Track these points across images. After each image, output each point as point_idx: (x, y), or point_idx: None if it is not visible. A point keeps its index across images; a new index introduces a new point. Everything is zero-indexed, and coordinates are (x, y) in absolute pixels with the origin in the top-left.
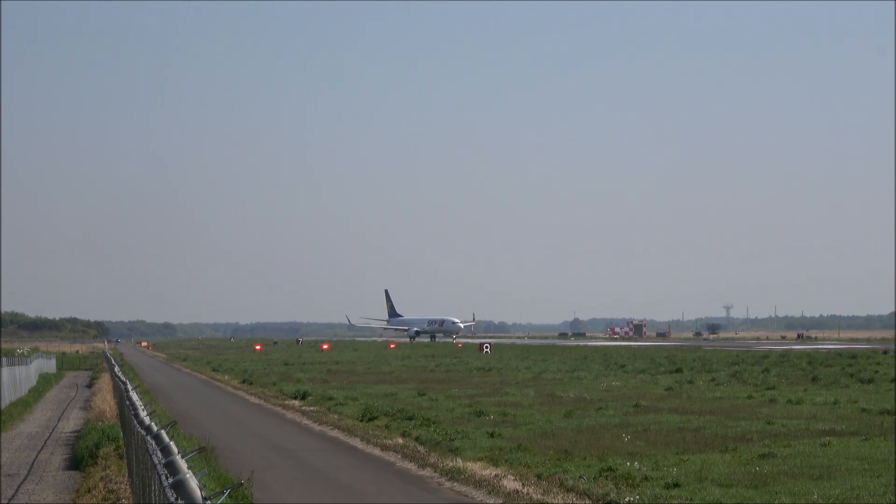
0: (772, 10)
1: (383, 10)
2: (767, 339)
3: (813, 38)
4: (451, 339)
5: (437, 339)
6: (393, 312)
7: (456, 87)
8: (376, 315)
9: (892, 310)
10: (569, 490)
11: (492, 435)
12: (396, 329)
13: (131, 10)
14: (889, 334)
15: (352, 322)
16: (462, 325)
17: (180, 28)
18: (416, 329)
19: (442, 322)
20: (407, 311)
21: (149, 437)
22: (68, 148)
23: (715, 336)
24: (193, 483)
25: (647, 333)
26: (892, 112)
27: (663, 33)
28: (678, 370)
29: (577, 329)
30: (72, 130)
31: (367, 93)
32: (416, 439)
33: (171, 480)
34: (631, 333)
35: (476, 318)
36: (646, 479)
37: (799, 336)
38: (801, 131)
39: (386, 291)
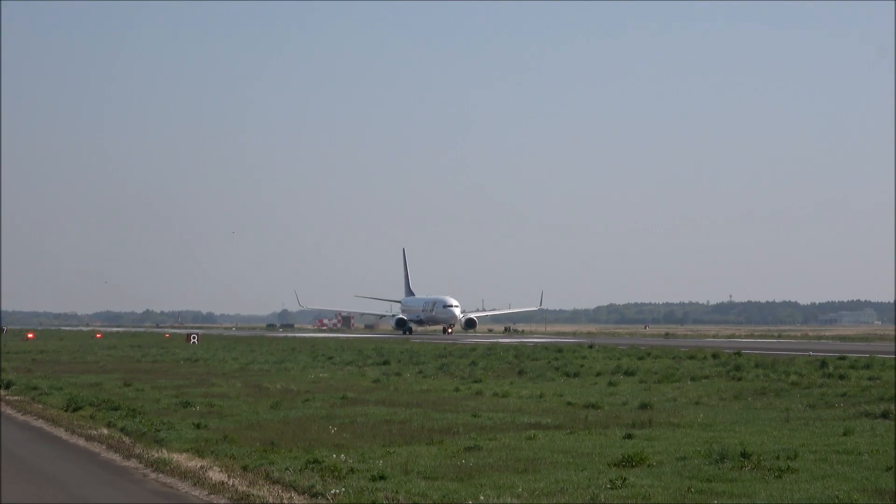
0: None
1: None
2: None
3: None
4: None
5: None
6: (409, 292)
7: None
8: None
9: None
10: (275, 482)
11: (198, 426)
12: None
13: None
14: (597, 328)
15: (301, 304)
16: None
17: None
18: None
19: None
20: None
21: None
22: None
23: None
24: None
25: (355, 325)
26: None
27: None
28: (386, 362)
29: (285, 320)
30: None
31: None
32: (122, 430)
33: None
34: (339, 325)
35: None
36: (352, 471)
37: (506, 329)
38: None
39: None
